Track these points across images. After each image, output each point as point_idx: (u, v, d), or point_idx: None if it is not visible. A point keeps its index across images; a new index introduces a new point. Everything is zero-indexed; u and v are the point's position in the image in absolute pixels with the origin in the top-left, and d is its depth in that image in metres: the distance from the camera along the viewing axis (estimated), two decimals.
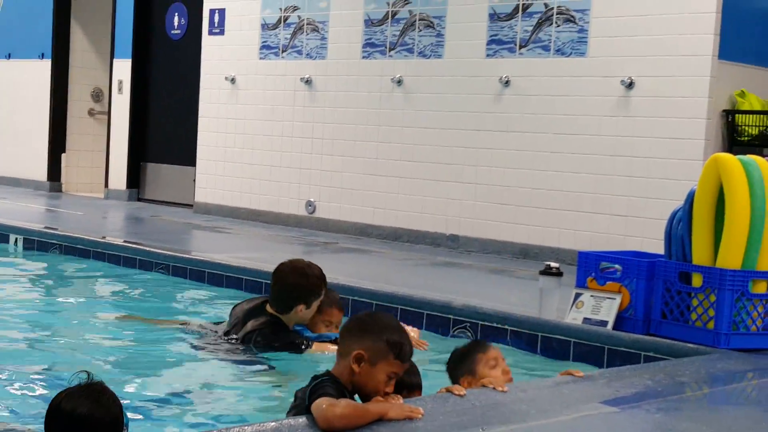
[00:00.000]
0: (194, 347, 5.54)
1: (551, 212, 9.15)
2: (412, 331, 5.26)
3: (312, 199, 11.16)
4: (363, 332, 3.43)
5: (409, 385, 3.64)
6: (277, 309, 5.40)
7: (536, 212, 9.25)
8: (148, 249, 8.34)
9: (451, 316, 6.11)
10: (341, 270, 7.70)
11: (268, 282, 7.17)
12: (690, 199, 5.30)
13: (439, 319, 6.17)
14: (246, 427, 3.07)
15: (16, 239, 9.41)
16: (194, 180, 12.61)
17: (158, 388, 4.76)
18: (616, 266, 5.57)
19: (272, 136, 11.60)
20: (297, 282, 5.33)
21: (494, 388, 3.74)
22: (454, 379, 3.96)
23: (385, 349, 3.40)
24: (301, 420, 3.13)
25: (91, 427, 2.73)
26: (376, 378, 3.40)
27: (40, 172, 14.85)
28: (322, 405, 3.09)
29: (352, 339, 3.42)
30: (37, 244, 9.24)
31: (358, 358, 3.37)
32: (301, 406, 3.23)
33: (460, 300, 6.24)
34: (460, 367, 3.96)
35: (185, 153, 13.00)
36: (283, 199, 11.48)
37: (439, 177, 9.99)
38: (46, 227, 9.73)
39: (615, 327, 5.44)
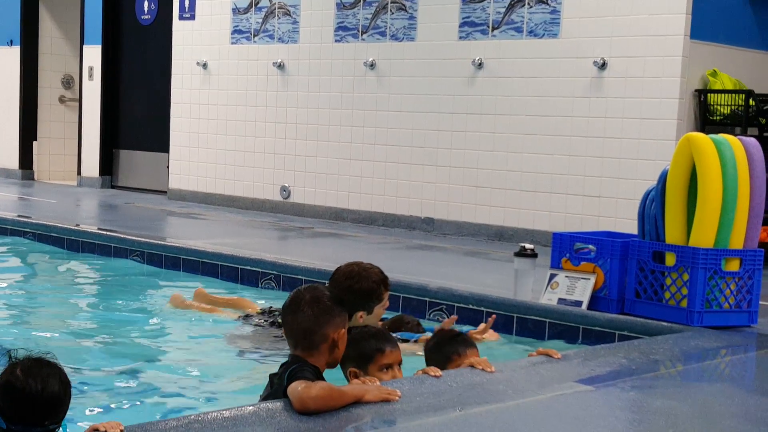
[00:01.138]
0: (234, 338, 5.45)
1: (526, 194, 9.18)
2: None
3: (287, 184, 11.13)
4: (330, 316, 3.37)
5: (383, 350, 3.59)
6: None
7: (511, 194, 9.28)
8: (122, 236, 8.29)
9: (427, 299, 6.13)
10: (317, 254, 7.70)
11: (245, 268, 7.20)
12: (663, 178, 5.33)
13: (415, 301, 6.18)
14: (224, 412, 3.07)
15: None
16: (168, 166, 12.54)
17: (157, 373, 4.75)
18: (590, 247, 5.61)
19: (245, 121, 11.55)
20: (353, 287, 4.58)
21: (483, 369, 3.76)
22: (427, 363, 3.96)
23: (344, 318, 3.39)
24: (278, 403, 3.14)
25: (33, 402, 2.72)
26: (345, 338, 3.39)
27: (12, 160, 14.71)
28: (297, 387, 3.10)
29: (322, 325, 3.35)
30: (10, 232, 9.16)
31: (333, 342, 3.34)
32: (278, 390, 3.23)
33: (436, 283, 6.25)
34: (432, 357, 3.96)
35: (158, 139, 12.92)
36: (257, 185, 11.44)
37: (413, 160, 9.99)
38: (19, 215, 9.64)
39: (590, 307, 5.48)
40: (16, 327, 5.79)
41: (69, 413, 3.93)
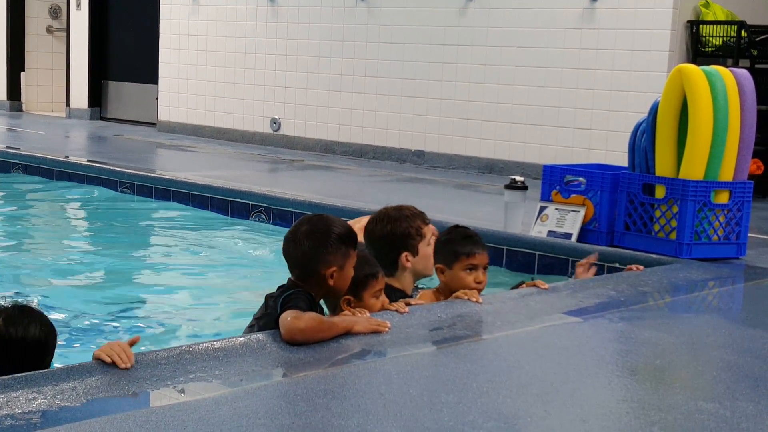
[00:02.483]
0: None
1: (516, 126, 9.14)
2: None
3: (276, 117, 11.06)
4: (323, 252, 3.33)
5: (373, 275, 3.54)
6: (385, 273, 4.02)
7: (501, 127, 9.24)
8: (112, 168, 8.25)
9: None
10: (308, 187, 7.68)
11: (235, 200, 7.18)
12: (654, 111, 5.30)
13: None
14: (215, 342, 3.08)
15: None
16: (157, 98, 12.42)
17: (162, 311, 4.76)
18: (581, 179, 5.60)
19: (235, 52, 11.41)
20: (387, 231, 4.07)
21: (469, 299, 3.77)
22: (435, 257, 3.93)
23: (346, 252, 3.35)
24: (269, 335, 3.15)
25: (18, 348, 2.73)
26: (348, 275, 3.38)
27: None
28: (287, 318, 3.10)
29: (312, 260, 3.32)
30: None
31: (332, 273, 3.32)
32: (272, 315, 3.22)
33: (428, 215, 6.23)
34: (441, 252, 3.92)
35: (147, 71, 12.78)
36: (247, 117, 11.36)
37: (404, 92, 9.92)
38: (8, 147, 9.57)
39: (579, 239, 5.49)
40: (7, 262, 5.79)
41: (69, 345, 3.97)
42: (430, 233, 4.07)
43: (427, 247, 4.01)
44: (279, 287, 3.36)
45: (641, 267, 4.74)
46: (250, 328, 3.34)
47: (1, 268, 5.49)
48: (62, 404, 2.51)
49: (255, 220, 6.99)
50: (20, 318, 2.79)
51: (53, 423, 2.38)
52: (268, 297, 3.36)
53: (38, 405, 2.48)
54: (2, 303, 2.90)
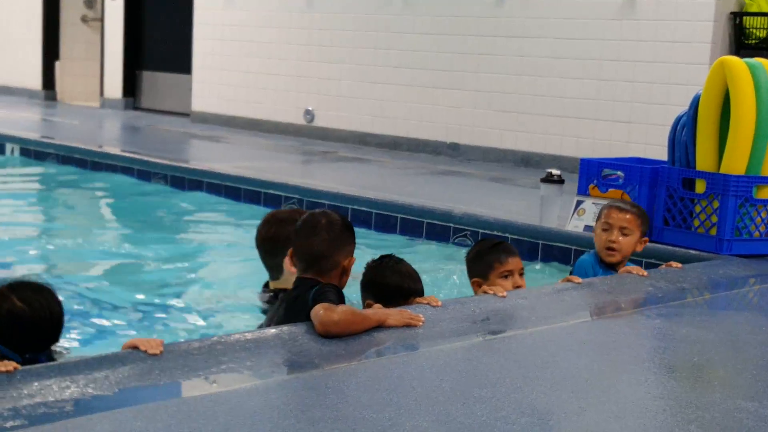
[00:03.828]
0: None
1: (553, 119, 9.05)
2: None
3: (310, 108, 11.04)
4: (344, 240, 3.35)
5: (408, 291, 3.60)
6: (271, 276, 4.25)
7: (538, 119, 9.15)
8: (146, 159, 8.28)
9: (451, 225, 6.08)
10: (341, 179, 7.65)
11: (268, 192, 7.17)
12: (695, 103, 5.21)
13: (438, 227, 6.14)
14: (247, 334, 3.07)
15: (13, 149, 9.34)
16: (191, 88, 12.45)
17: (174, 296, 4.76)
18: (619, 173, 5.51)
19: (269, 43, 11.41)
20: (269, 234, 4.09)
21: (494, 294, 3.72)
22: (469, 273, 3.94)
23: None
24: (301, 327, 3.12)
25: (29, 324, 2.73)
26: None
27: (34, 81, 14.68)
28: (320, 311, 3.08)
29: (335, 251, 3.33)
30: (34, 153, 9.17)
31: (349, 263, 3.33)
32: (294, 311, 3.18)
33: (461, 208, 6.20)
34: (474, 266, 3.93)
35: (181, 61, 12.81)
36: (281, 108, 11.35)
37: (439, 84, 9.85)
38: (42, 136, 9.64)
39: None
40: (40, 250, 5.82)
41: (101, 333, 3.98)
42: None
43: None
44: (295, 286, 3.32)
45: (679, 264, 4.66)
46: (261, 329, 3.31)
47: (34, 257, 5.52)
48: (95, 393, 2.51)
49: None
50: (38, 296, 2.80)
51: (86, 411, 2.38)
52: (283, 297, 3.35)
53: (71, 393, 2.48)
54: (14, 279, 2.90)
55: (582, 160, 5.74)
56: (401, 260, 3.65)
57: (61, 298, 2.93)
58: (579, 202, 5.62)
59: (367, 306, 3.50)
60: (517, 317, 3.59)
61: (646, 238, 4.49)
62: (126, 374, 2.64)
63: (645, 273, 4.33)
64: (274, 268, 4.03)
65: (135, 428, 2.27)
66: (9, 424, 2.25)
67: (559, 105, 8.99)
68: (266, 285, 4.14)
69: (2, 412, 2.31)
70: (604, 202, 5.49)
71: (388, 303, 3.46)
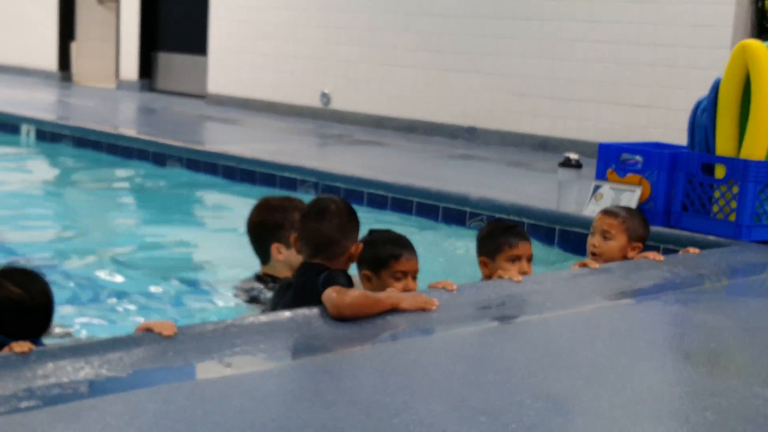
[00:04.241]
0: None
1: (571, 103, 8.99)
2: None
3: (326, 90, 11.01)
4: (352, 225, 3.33)
5: (399, 254, 3.47)
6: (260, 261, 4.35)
7: (556, 103, 9.09)
8: (161, 141, 8.28)
9: (468, 209, 6.06)
10: (357, 162, 7.63)
11: (283, 175, 7.16)
12: (715, 88, 5.15)
13: (455, 212, 6.12)
14: (261, 317, 3.06)
15: (28, 130, 9.36)
16: (207, 70, 12.45)
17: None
18: (637, 158, 5.47)
19: (286, 25, 11.38)
20: (258, 219, 4.19)
21: (509, 279, 3.71)
22: (478, 251, 3.93)
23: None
24: (315, 310, 3.11)
25: (26, 310, 2.74)
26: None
27: (50, 62, 14.70)
28: (332, 294, 3.07)
29: (344, 237, 3.32)
30: (48, 135, 9.19)
31: (350, 256, 3.31)
32: (306, 293, 3.17)
33: (477, 193, 6.17)
34: (484, 245, 3.91)
35: (197, 42, 12.80)
36: (297, 90, 11.33)
37: (457, 67, 9.81)
38: (58, 118, 9.66)
39: None
40: (53, 233, 5.84)
41: (115, 316, 3.99)
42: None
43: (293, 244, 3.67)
44: (299, 273, 3.31)
45: (697, 250, 4.62)
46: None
47: (47, 240, 5.54)
48: (109, 374, 2.51)
49: (303, 193, 6.97)
50: (32, 281, 2.80)
51: (100, 393, 2.38)
52: (282, 286, 3.34)
53: (85, 374, 2.48)
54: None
55: (600, 144, 5.69)
56: (388, 230, 3.61)
57: (70, 281, 2.94)
58: (597, 187, 5.58)
59: (363, 277, 3.48)
60: (532, 302, 3.57)
61: (639, 244, 4.39)
62: (140, 356, 2.64)
63: (661, 258, 4.30)
64: (263, 254, 4.07)
65: (149, 410, 2.28)
66: (24, 404, 2.26)
67: (578, 89, 8.93)
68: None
69: (17, 393, 2.32)
70: (623, 187, 5.46)
71: (380, 269, 3.44)
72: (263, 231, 4.09)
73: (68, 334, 3.21)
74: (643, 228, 4.46)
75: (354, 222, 3.32)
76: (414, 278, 3.50)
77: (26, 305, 2.75)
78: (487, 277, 3.89)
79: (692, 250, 4.59)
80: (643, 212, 5.38)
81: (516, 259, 3.83)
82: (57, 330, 3.01)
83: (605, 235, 4.34)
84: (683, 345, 3.25)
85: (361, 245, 3.32)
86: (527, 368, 2.81)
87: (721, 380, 2.85)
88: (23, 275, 2.82)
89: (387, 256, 3.45)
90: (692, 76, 8.11)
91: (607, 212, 4.41)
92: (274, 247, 4.07)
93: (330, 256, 3.27)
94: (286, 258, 4.05)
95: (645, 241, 4.46)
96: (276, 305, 3.35)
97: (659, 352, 3.12)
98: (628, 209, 4.53)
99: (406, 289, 3.43)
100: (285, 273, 4.00)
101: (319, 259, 3.27)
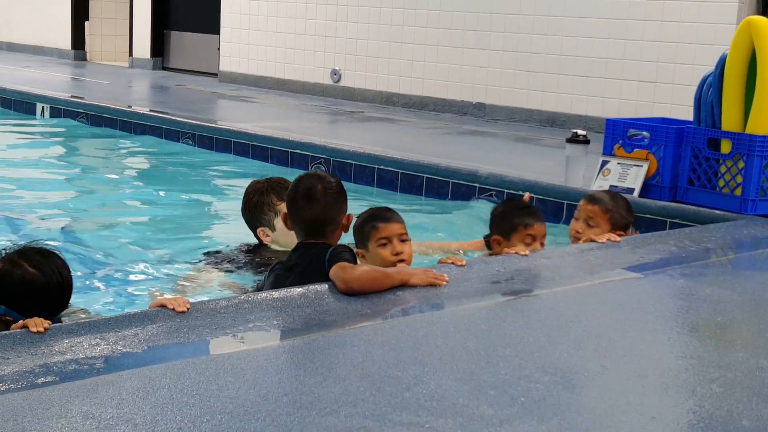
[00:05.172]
0: None
1: (579, 79, 8.99)
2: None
3: (337, 68, 11.02)
4: (341, 200, 3.38)
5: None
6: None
7: (564, 79, 9.09)
8: (174, 118, 8.32)
9: (477, 185, 6.09)
10: (367, 139, 7.66)
11: (295, 152, 7.20)
12: (721, 64, 5.16)
13: (464, 187, 6.15)
14: (273, 293, 3.11)
15: (43, 108, 9.42)
16: (218, 48, 12.46)
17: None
18: (644, 133, 5.49)
19: (297, 3, 11.38)
20: (243, 202, 4.35)
21: (517, 253, 3.75)
22: (491, 229, 3.95)
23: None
24: (325, 286, 3.16)
25: (41, 290, 2.77)
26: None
27: (64, 41, 14.73)
28: (341, 269, 3.12)
29: (335, 213, 3.34)
30: (63, 113, 9.24)
31: (346, 223, 3.37)
32: (312, 271, 3.20)
33: (486, 168, 6.20)
34: (498, 223, 3.93)
35: (209, 21, 12.81)
36: (308, 68, 11.34)
37: (465, 44, 9.80)
38: (72, 96, 9.71)
39: (641, 194, 5.41)
40: (67, 210, 5.89)
41: (129, 292, 4.04)
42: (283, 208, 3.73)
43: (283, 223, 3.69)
44: (301, 252, 3.32)
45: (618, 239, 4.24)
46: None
47: (62, 217, 5.60)
48: (124, 350, 2.55)
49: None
50: (49, 261, 2.82)
51: (116, 368, 2.42)
52: (275, 267, 3.36)
53: (101, 351, 2.52)
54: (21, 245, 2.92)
55: (607, 120, 5.72)
56: (389, 209, 3.64)
57: (85, 258, 2.96)
58: (604, 163, 5.61)
59: (359, 256, 3.49)
60: (541, 277, 3.62)
61: (622, 232, 4.27)
62: (155, 332, 2.68)
63: (618, 240, 4.13)
64: (256, 236, 4.23)
65: (164, 385, 2.32)
66: (41, 380, 2.30)
67: (585, 65, 8.93)
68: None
69: (34, 369, 2.36)
70: (630, 162, 5.49)
71: (366, 243, 3.48)
72: (247, 216, 4.23)
73: (84, 313, 3.25)
74: (627, 215, 4.36)
75: (341, 196, 3.34)
76: (401, 240, 3.47)
77: (41, 285, 2.76)
78: (499, 254, 3.91)
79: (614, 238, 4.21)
80: (650, 187, 5.42)
81: (531, 240, 3.86)
82: (74, 309, 3.05)
83: (588, 222, 4.28)
84: (689, 318, 3.28)
85: (351, 215, 3.35)
86: (536, 342, 2.84)
87: (727, 353, 2.88)
88: (40, 255, 2.83)
89: (368, 229, 3.48)
90: (698, 52, 8.10)
91: (591, 199, 4.32)
92: (260, 231, 4.20)
93: (324, 234, 3.31)
94: (274, 239, 4.16)
95: (628, 228, 4.36)
96: (276, 285, 3.34)
97: (666, 326, 3.15)
98: (612, 195, 4.42)
99: (394, 253, 3.44)
100: (281, 254, 4.02)
101: (314, 239, 3.31)
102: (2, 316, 2.75)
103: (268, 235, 4.19)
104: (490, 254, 3.98)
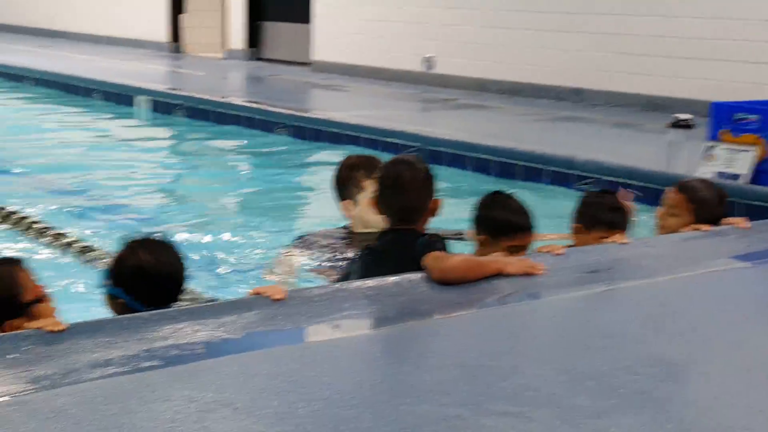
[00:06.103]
0: None
1: (682, 61, 8.73)
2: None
3: (429, 55, 10.97)
4: (430, 186, 3.33)
5: (516, 226, 3.48)
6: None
7: (665, 62, 8.85)
8: (267, 109, 8.41)
9: (574, 172, 5.98)
10: (461, 127, 7.61)
11: (387, 140, 7.19)
12: None
13: (561, 174, 6.05)
14: (368, 281, 3.10)
15: (142, 100, 9.63)
16: (311, 38, 12.54)
17: None
18: (753, 117, 5.29)
19: None
20: (334, 176, 4.34)
21: (614, 242, 3.63)
22: (575, 215, 3.82)
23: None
24: (419, 275, 3.13)
25: (155, 278, 2.81)
26: None
27: (161, 33, 15.04)
28: (435, 259, 3.08)
29: (425, 199, 3.30)
30: (161, 105, 9.43)
31: (433, 208, 3.32)
32: (405, 260, 3.17)
33: (584, 155, 6.08)
34: (586, 212, 3.77)
35: (301, 10, 12.90)
36: (400, 56, 11.32)
37: (561, 28, 9.63)
38: (169, 88, 9.90)
39: (751, 180, 5.21)
40: (165, 199, 6.01)
41: (230, 277, 4.10)
42: (372, 187, 3.65)
43: (366, 200, 3.80)
44: (391, 239, 3.30)
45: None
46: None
47: (162, 208, 5.71)
48: (224, 336, 2.58)
49: None
50: (166, 251, 2.88)
51: (216, 354, 2.46)
52: (363, 252, 3.35)
53: (201, 336, 2.56)
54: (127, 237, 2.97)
55: (713, 103, 5.53)
56: (511, 196, 3.56)
57: (190, 248, 3.00)
58: (709, 148, 5.43)
59: (477, 242, 3.44)
60: (642, 266, 3.51)
61: (707, 226, 3.88)
62: (252, 319, 2.70)
63: (748, 226, 3.96)
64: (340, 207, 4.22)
65: (261, 371, 2.34)
66: (145, 364, 2.35)
67: (687, 46, 8.67)
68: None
69: (139, 353, 2.42)
70: (738, 147, 5.30)
71: (496, 237, 3.42)
72: (335, 188, 4.24)
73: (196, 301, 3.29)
74: (716, 208, 4.00)
75: (429, 181, 3.30)
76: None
77: (154, 273, 2.82)
78: (579, 244, 3.71)
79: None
80: (760, 173, 5.21)
81: (606, 238, 3.67)
82: (189, 297, 3.10)
83: (670, 212, 3.99)
84: None
85: (439, 200, 3.31)
86: (636, 333, 2.77)
87: None
88: (155, 244, 2.90)
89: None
90: None
91: (681, 187, 4.01)
92: (343, 204, 4.20)
93: (413, 221, 3.28)
94: (357, 215, 4.15)
95: (718, 223, 3.96)
96: (366, 272, 3.32)
97: None
98: (707, 185, 4.09)
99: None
100: (359, 229, 4.12)
101: (404, 225, 3.28)
102: (118, 299, 2.82)
103: (350, 210, 4.20)
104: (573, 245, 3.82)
